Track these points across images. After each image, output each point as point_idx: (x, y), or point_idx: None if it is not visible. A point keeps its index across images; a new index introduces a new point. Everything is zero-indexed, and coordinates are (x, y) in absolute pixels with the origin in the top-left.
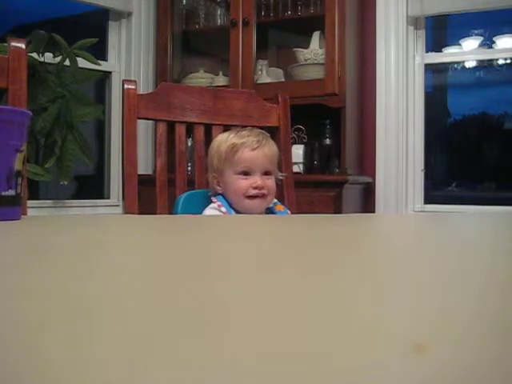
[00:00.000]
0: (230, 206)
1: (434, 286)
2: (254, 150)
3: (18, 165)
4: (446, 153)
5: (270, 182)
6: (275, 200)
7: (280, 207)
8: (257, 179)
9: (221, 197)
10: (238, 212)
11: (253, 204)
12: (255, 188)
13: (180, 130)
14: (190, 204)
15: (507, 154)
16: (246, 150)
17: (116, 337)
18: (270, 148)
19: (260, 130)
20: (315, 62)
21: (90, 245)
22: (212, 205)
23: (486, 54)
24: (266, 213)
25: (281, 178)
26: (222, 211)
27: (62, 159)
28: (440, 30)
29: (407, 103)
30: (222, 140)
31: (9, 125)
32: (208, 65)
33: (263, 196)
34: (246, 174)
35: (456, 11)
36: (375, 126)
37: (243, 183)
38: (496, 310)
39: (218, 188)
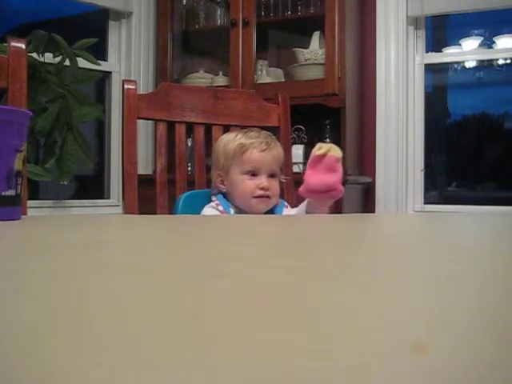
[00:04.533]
0: (229, 205)
1: (434, 286)
2: (262, 151)
3: (18, 165)
4: (446, 153)
5: (275, 184)
6: None
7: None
8: (263, 180)
9: (221, 196)
10: (239, 211)
11: (259, 204)
12: (261, 189)
13: (180, 130)
14: (190, 204)
15: (507, 154)
16: (254, 150)
17: (116, 337)
18: (278, 150)
19: (268, 133)
20: (315, 62)
21: (89, 245)
22: (211, 204)
23: (485, 54)
24: (266, 211)
25: (283, 180)
26: (219, 210)
27: (62, 159)
28: (440, 30)
29: (407, 103)
30: (230, 139)
31: (9, 125)
32: (208, 65)
33: (267, 197)
34: (252, 174)
35: (456, 11)
36: (375, 126)
37: (250, 183)
38: (496, 310)
39: (222, 187)
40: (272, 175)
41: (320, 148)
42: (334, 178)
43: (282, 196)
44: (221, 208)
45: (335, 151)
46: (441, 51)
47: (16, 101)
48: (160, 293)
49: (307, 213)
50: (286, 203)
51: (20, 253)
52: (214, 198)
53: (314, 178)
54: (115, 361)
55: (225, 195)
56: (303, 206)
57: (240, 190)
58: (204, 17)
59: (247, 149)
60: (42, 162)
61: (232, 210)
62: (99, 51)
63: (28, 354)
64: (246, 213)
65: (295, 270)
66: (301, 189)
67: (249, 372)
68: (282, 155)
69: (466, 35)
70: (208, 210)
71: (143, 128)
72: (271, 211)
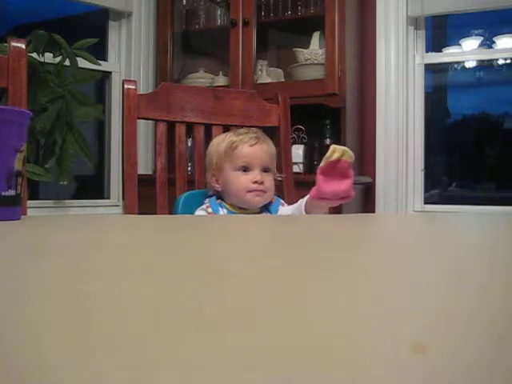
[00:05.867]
0: (220, 206)
1: (434, 285)
2: (252, 145)
3: (18, 165)
4: (446, 153)
5: (269, 179)
6: None
7: (272, 199)
8: (256, 174)
9: (213, 198)
10: (234, 210)
11: (254, 198)
12: (255, 183)
13: (180, 130)
14: (190, 204)
15: (507, 154)
16: (245, 145)
17: (116, 337)
18: (269, 145)
19: (257, 129)
20: (315, 62)
21: (90, 245)
22: (202, 206)
23: (486, 54)
24: (261, 208)
25: (279, 179)
26: (208, 212)
27: (62, 159)
28: (440, 30)
29: (407, 103)
30: (221, 139)
31: (9, 125)
32: (208, 65)
33: (262, 191)
34: (245, 170)
35: (456, 11)
36: (375, 126)
37: (243, 179)
38: (495, 310)
39: (217, 186)
40: (265, 170)
41: (334, 151)
42: (347, 184)
43: (281, 195)
44: (210, 210)
45: (348, 156)
46: (441, 51)
47: (16, 101)
48: (160, 293)
49: (307, 211)
50: (281, 200)
51: (20, 253)
52: (206, 201)
53: (328, 186)
54: (116, 361)
55: (220, 195)
56: (302, 203)
57: (234, 186)
58: (204, 17)
59: (238, 145)
60: (42, 162)
61: (222, 211)
62: (99, 51)
63: (28, 353)
64: (242, 210)
65: (295, 269)
66: (313, 194)
67: (249, 372)
68: (274, 150)
69: (466, 35)
70: (198, 213)
71: (143, 128)
72: (266, 208)
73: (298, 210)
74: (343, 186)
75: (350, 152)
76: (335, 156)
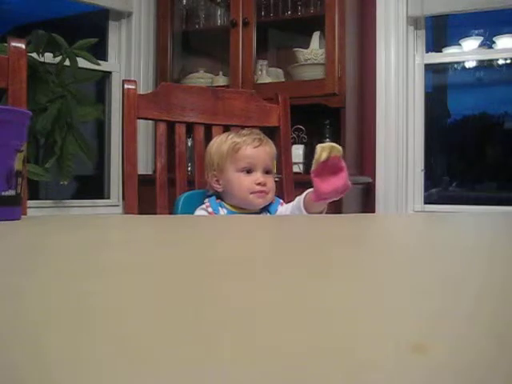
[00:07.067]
0: (221, 206)
1: (434, 285)
2: (256, 147)
3: (18, 165)
4: (446, 153)
5: (271, 180)
6: None
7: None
8: (259, 176)
9: (213, 198)
10: (234, 210)
11: (256, 199)
12: (258, 184)
13: (180, 130)
14: (190, 204)
15: (507, 153)
16: (248, 147)
17: (116, 337)
18: (271, 146)
19: (259, 131)
20: (315, 62)
21: (90, 245)
22: (201, 206)
23: (486, 54)
24: (261, 208)
25: (276, 179)
26: (208, 211)
27: (62, 159)
28: (440, 30)
29: (407, 103)
30: (222, 140)
31: (9, 125)
32: (208, 65)
33: (264, 192)
34: (248, 171)
35: (456, 11)
36: (375, 126)
37: (247, 180)
38: (495, 310)
39: (218, 186)
40: (267, 171)
41: (322, 151)
42: (342, 178)
43: (281, 195)
44: (210, 209)
45: (336, 151)
46: (441, 51)
47: (16, 101)
48: (160, 293)
49: (307, 210)
50: (281, 200)
51: (20, 253)
52: (205, 200)
53: (326, 186)
54: (115, 361)
55: (219, 195)
56: (300, 202)
57: (237, 187)
58: (204, 17)
59: (241, 146)
60: (42, 162)
61: (222, 211)
62: (99, 51)
63: (28, 353)
64: (242, 210)
65: (295, 269)
66: (313, 197)
67: (249, 372)
68: (275, 152)
69: (466, 35)
70: (198, 212)
71: (143, 128)
72: (266, 208)
73: (296, 208)
74: (340, 181)
75: (338, 146)
76: (324, 156)
